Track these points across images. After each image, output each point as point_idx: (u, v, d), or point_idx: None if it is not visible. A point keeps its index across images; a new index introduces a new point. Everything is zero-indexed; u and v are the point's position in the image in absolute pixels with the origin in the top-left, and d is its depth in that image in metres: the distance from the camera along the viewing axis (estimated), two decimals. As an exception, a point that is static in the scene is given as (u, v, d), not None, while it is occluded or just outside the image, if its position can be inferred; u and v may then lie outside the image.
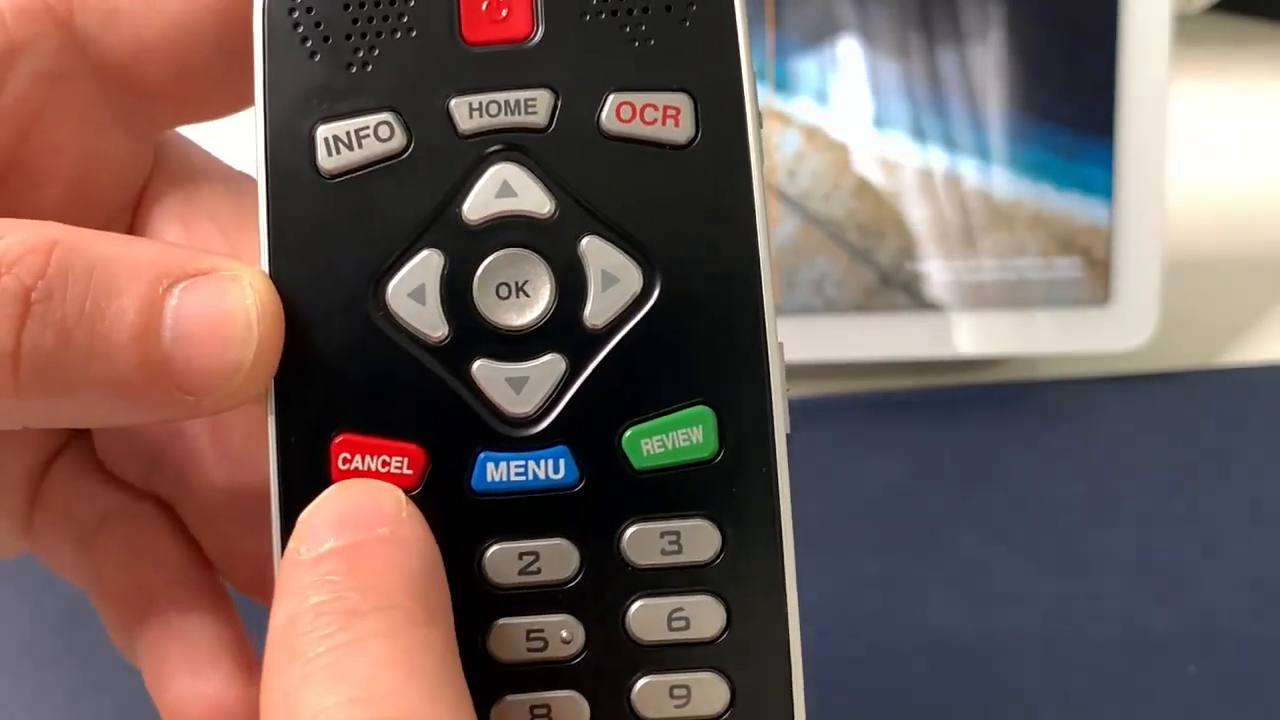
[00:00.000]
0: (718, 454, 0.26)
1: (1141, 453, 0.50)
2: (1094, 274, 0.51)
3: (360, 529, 0.24)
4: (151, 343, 0.25)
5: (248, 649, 0.30)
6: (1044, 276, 0.51)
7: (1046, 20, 0.50)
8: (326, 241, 0.26)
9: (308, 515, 0.25)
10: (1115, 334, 0.52)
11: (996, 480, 0.48)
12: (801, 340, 0.52)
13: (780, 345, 0.26)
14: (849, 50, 0.51)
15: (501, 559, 0.26)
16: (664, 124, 0.26)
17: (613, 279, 0.26)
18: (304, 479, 0.26)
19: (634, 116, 0.26)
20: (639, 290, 0.26)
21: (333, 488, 0.25)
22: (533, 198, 0.26)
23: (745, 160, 0.26)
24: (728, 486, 0.26)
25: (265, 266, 0.26)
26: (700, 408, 0.26)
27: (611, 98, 0.26)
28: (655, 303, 0.26)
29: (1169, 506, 0.47)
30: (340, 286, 0.26)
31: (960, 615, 0.43)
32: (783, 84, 0.51)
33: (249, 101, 0.26)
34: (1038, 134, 0.51)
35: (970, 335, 0.52)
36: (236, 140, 0.28)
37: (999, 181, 0.51)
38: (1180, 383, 0.53)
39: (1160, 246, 0.51)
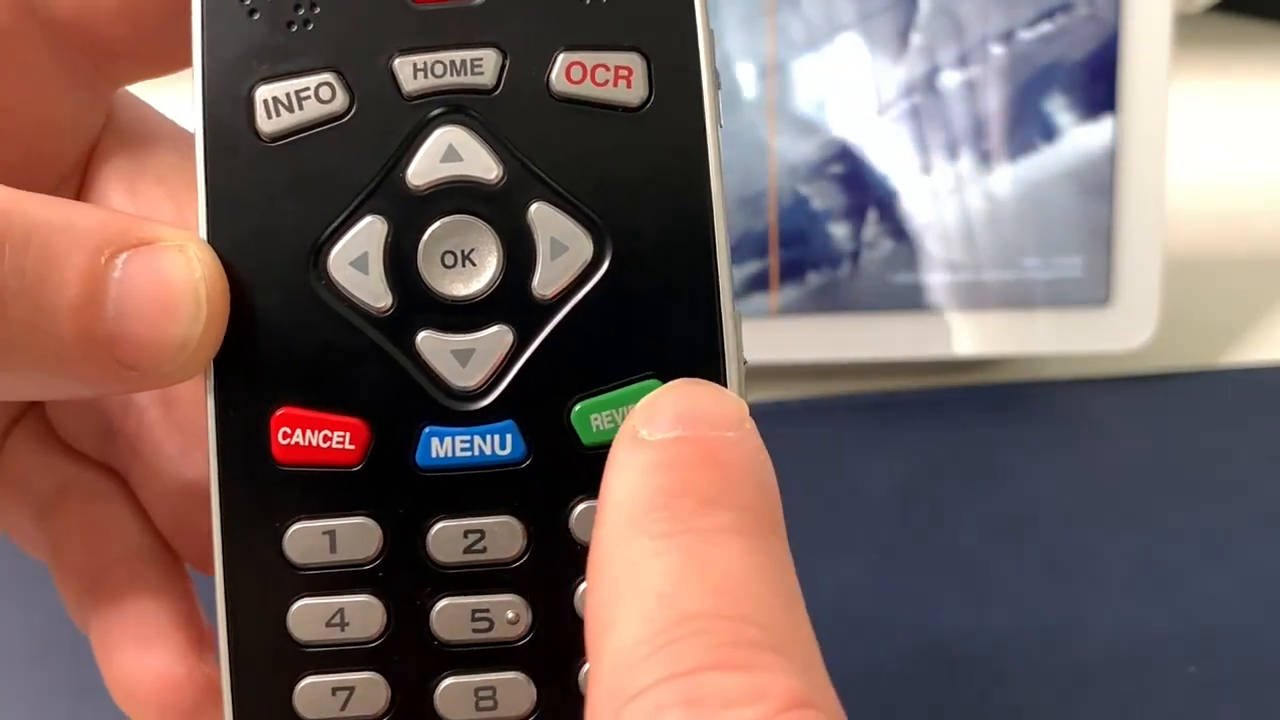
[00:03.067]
0: None
1: (1142, 453, 0.50)
2: (1094, 274, 0.51)
3: (708, 427, 0.23)
4: (93, 316, 0.24)
5: (199, 624, 0.29)
6: (1044, 276, 0.51)
7: (1047, 20, 0.50)
8: (266, 208, 0.25)
9: (651, 401, 0.23)
10: (1115, 334, 0.52)
11: (996, 480, 0.48)
12: (802, 340, 0.52)
13: (737, 316, 0.25)
14: (848, 50, 0.51)
15: (446, 537, 0.25)
16: (616, 85, 0.25)
17: (562, 247, 0.25)
18: (242, 454, 0.25)
19: (584, 77, 0.25)
20: (589, 259, 0.25)
21: (678, 382, 0.24)
22: (479, 162, 0.25)
23: (700, 124, 0.25)
24: None
25: (203, 233, 0.25)
26: (651, 381, 0.25)
27: (561, 57, 0.25)
28: (606, 272, 0.25)
29: (1169, 506, 0.47)
30: (280, 255, 0.25)
31: (960, 615, 0.43)
32: (783, 82, 0.51)
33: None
34: (1038, 133, 0.51)
35: (970, 335, 0.52)
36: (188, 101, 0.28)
37: (999, 181, 0.51)
38: (1180, 383, 0.53)
39: (1160, 246, 0.51)
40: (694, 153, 0.25)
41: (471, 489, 0.25)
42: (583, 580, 0.24)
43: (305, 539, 0.25)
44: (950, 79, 0.51)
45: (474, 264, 0.25)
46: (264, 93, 0.25)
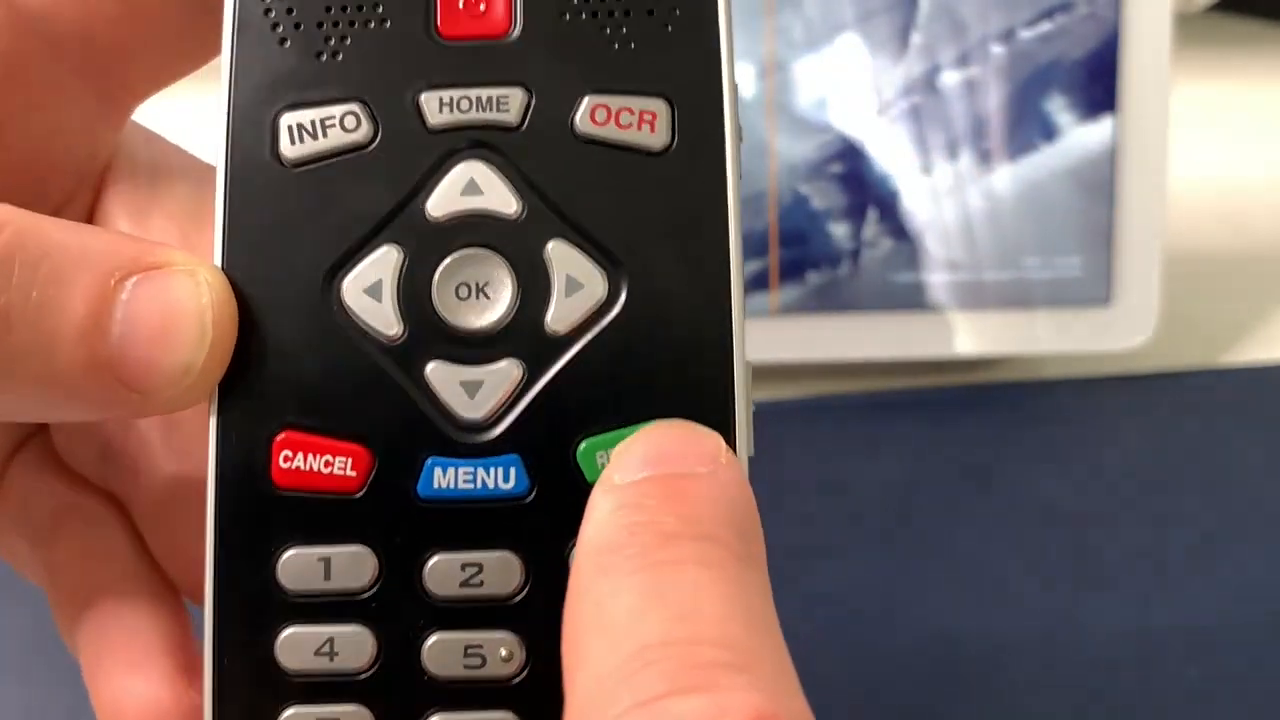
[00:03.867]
0: None
1: (1142, 452, 0.50)
2: (1094, 273, 0.51)
3: (678, 465, 0.23)
4: (98, 339, 0.24)
5: (189, 650, 0.29)
6: (1044, 276, 0.51)
7: (1047, 19, 0.50)
8: (283, 232, 0.25)
9: (625, 447, 0.24)
10: (1116, 334, 0.52)
11: (996, 480, 0.48)
12: (801, 339, 0.52)
13: (748, 365, 0.25)
14: (848, 50, 0.51)
15: (444, 569, 0.25)
16: (639, 129, 0.25)
17: (577, 285, 0.25)
18: (241, 477, 0.25)
19: (609, 119, 0.25)
20: (603, 297, 0.25)
21: (652, 425, 0.24)
22: (499, 197, 0.25)
23: (721, 171, 0.25)
24: None
25: (219, 254, 0.25)
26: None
27: (586, 99, 0.25)
28: (619, 312, 0.25)
29: (1169, 506, 0.47)
30: (295, 278, 0.25)
31: (960, 615, 0.43)
32: (783, 82, 0.51)
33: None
34: (1038, 132, 0.51)
35: (970, 335, 0.52)
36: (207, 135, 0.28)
37: (999, 180, 0.51)
38: (1181, 382, 0.53)
39: (1161, 246, 0.51)
40: (713, 199, 0.25)
41: (472, 522, 0.25)
42: None
43: (299, 565, 0.25)
44: (950, 78, 0.51)
45: (488, 297, 0.25)
46: (289, 119, 0.25)
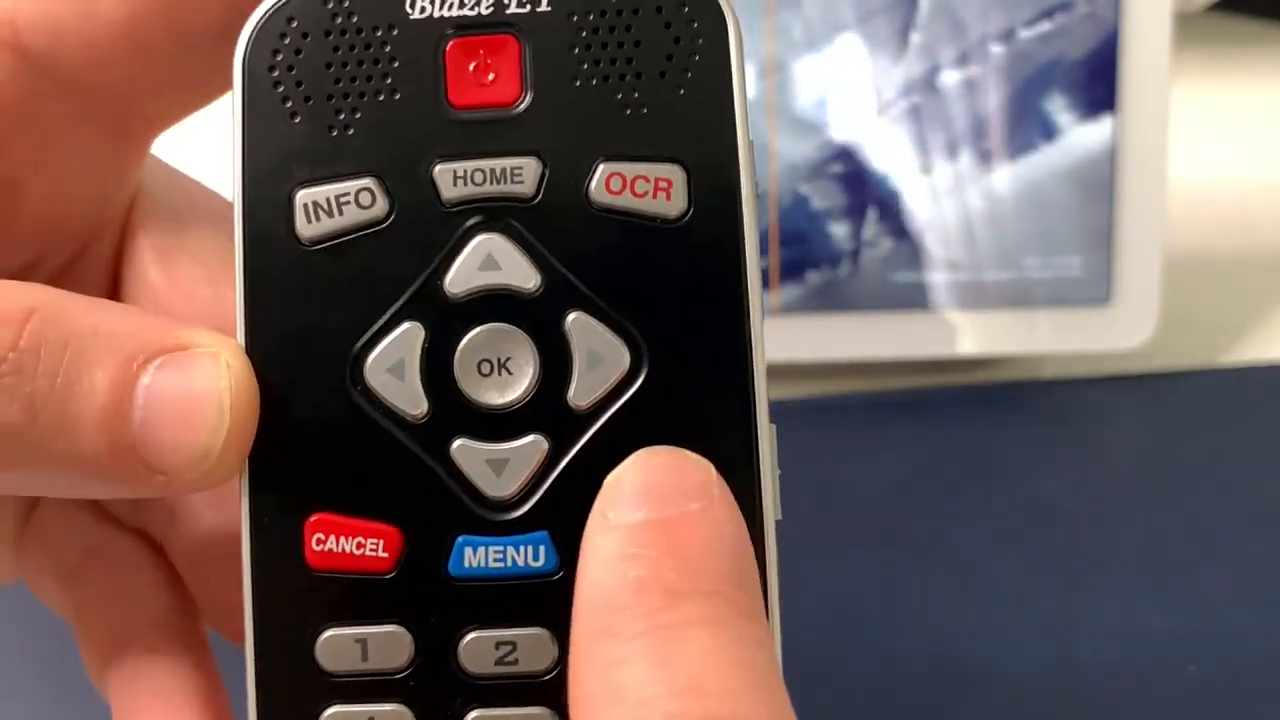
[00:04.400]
0: None
1: (1142, 452, 0.50)
2: (1094, 273, 0.51)
3: (672, 503, 0.23)
4: (120, 423, 0.24)
5: (221, 700, 0.29)
6: (1044, 276, 0.51)
7: (1046, 19, 0.50)
8: (304, 312, 0.25)
9: (616, 479, 0.24)
10: (1116, 333, 0.52)
11: (997, 480, 0.48)
12: (802, 339, 0.52)
13: (772, 429, 0.25)
14: (848, 50, 0.51)
15: (478, 648, 0.25)
16: (655, 197, 0.25)
17: (598, 358, 0.25)
18: (277, 560, 0.25)
19: (624, 188, 0.25)
20: (626, 370, 0.25)
21: (641, 453, 0.24)
22: (517, 271, 0.25)
23: (738, 238, 0.25)
24: None
25: (241, 337, 0.25)
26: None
27: (601, 168, 0.25)
28: (642, 384, 0.25)
29: (1169, 505, 0.47)
30: (318, 360, 0.25)
31: (960, 615, 0.43)
32: (783, 82, 0.51)
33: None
34: (1038, 132, 0.51)
35: (970, 334, 0.52)
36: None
37: (999, 180, 0.51)
38: (1181, 382, 0.53)
39: (1160, 245, 0.51)
40: (730, 265, 0.25)
41: (504, 600, 0.25)
42: None
43: (337, 645, 0.25)
44: (950, 78, 0.51)
45: (510, 373, 0.25)
46: (304, 197, 0.25)
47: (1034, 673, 0.41)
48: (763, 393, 0.25)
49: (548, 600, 0.25)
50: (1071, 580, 0.44)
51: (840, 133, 0.51)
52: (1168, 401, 0.52)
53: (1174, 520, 0.46)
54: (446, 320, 0.25)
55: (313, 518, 0.25)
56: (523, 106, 0.25)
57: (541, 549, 0.25)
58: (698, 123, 0.25)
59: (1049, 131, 0.51)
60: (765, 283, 0.51)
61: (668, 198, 0.25)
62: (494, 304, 0.25)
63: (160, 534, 0.31)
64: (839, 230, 0.51)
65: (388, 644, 0.25)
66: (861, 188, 0.51)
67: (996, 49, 0.50)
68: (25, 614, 0.43)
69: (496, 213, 0.25)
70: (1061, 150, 0.51)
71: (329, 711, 0.25)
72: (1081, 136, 0.51)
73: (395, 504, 0.25)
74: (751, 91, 0.51)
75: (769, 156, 0.51)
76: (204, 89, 0.28)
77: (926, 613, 0.43)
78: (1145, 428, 0.51)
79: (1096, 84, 0.51)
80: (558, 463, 0.25)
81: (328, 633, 0.25)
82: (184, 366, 0.24)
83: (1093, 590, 0.43)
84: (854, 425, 0.51)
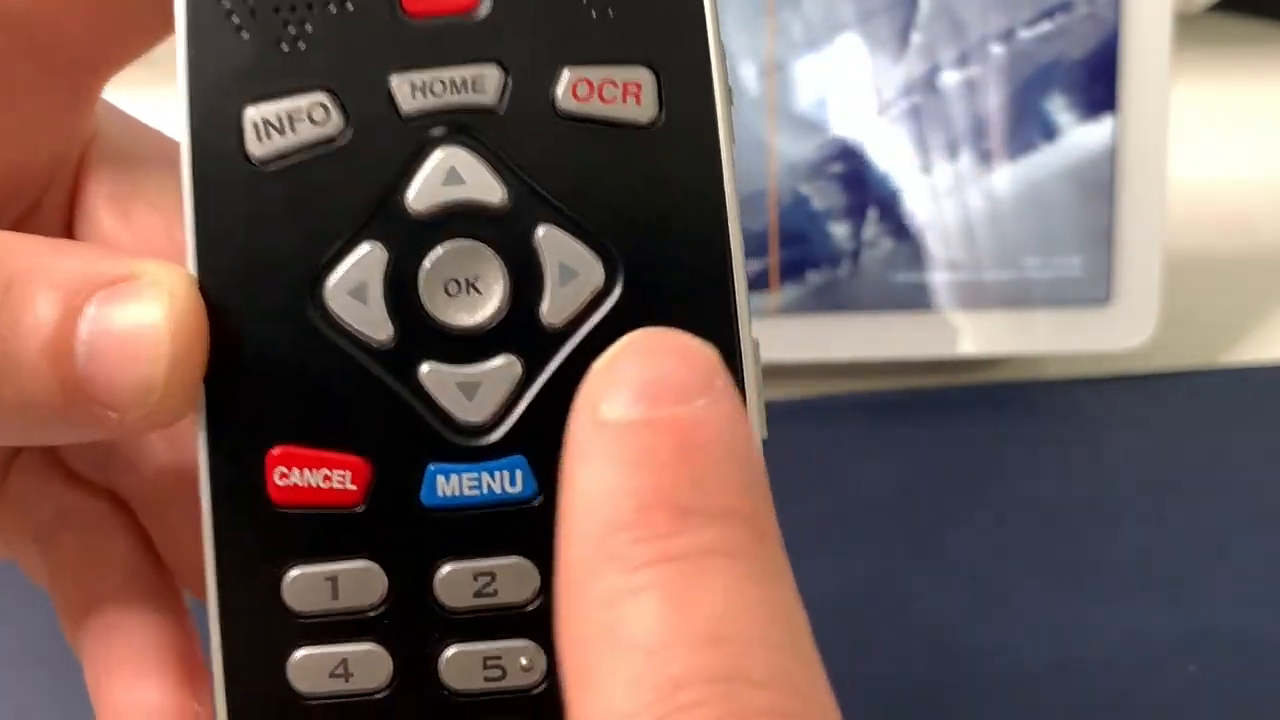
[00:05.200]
0: None
1: (1142, 452, 0.50)
2: (1094, 273, 0.51)
3: (678, 399, 0.21)
4: (65, 361, 0.23)
5: (193, 656, 0.29)
6: (1044, 276, 0.51)
7: (1047, 19, 0.50)
8: (258, 236, 0.23)
9: (609, 365, 0.21)
10: (1116, 333, 0.52)
11: (997, 480, 0.48)
12: (802, 340, 0.52)
13: (755, 342, 0.24)
14: (848, 50, 0.51)
15: (455, 580, 0.24)
16: (624, 102, 0.23)
17: (571, 272, 0.23)
18: (237, 497, 0.24)
19: (591, 94, 0.23)
20: (600, 284, 0.23)
21: (636, 333, 0.22)
22: (482, 184, 0.23)
23: (714, 141, 0.23)
24: None
25: (192, 265, 0.24)
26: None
27: (566, 74, 0.23)
28: (618, 298, 0.23)
29: (1169, 506, 0.47)
30: (275, 285, 0.23)
31: (960, 615, 0.43)
32: (783, 82, 0.51)
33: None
34: (1038, 132, 0.51)
35: (970, 335, 0.52)
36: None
37: (999, 180, 0.51)
38: (1181, 382, 0.53)
39: (1161, 246, 0.51)
40: (707, 172, 0.23)
41: (481, 529, 0.24)
42: None
43: (306, 585, 0.24)
44: (950, 78, 0.51)
45: (479, 292, 0.24)
46: (254, 114, 0.23)
47: (1034, 673, 0.41)
48: (744, 304, 0.24)
49: (527, 528, 0.24)
50: (1072, 580, 0.44)
51: (840, 133, 0.51)
52: (1168, 402, 0.52)
53: (1174, 520, 0.46)
54: (410, 239, 0.23)
55: (274, 450, 0.23)
56: (482, 13, 0.23)
57: (519, 474, 0.24)
58: (666, 24, 0.23)
59: (1049, 132, 0.51)
60: (765, 283, 0.51)
61: (637, 102, 0.23)
62: (459, 220, 0.23)
63: (126, 489, 0.30)
64: (839, 230, 0.51)
65: (359, 581, 0.24)
66: (862, 188, 0.51)
67: (997, 49, 0.50)
68: (24, 614, 0.43)
69: (458, 124, 0.23)
70: (1062, 150, 0.51)
71: (299, 654, 0.24)
72: (1082, 137, 0.51)
73: (362, 433, 0.23)
74: (752, 91, 0.51)
75: (769, 156, 0.51)
76: (152, 28, 0.27)
77: (926, 613, 0.43)
78: (1145, 428, 0.51)
79: (1097, 84, 0.50)
80: (532, 384, 0.23)
81: (295, 571, 0.24)
82: (126, 297, 0.23)
83: (1093, 590, 0.43)
84: (854, 425, 0.51)
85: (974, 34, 0.50)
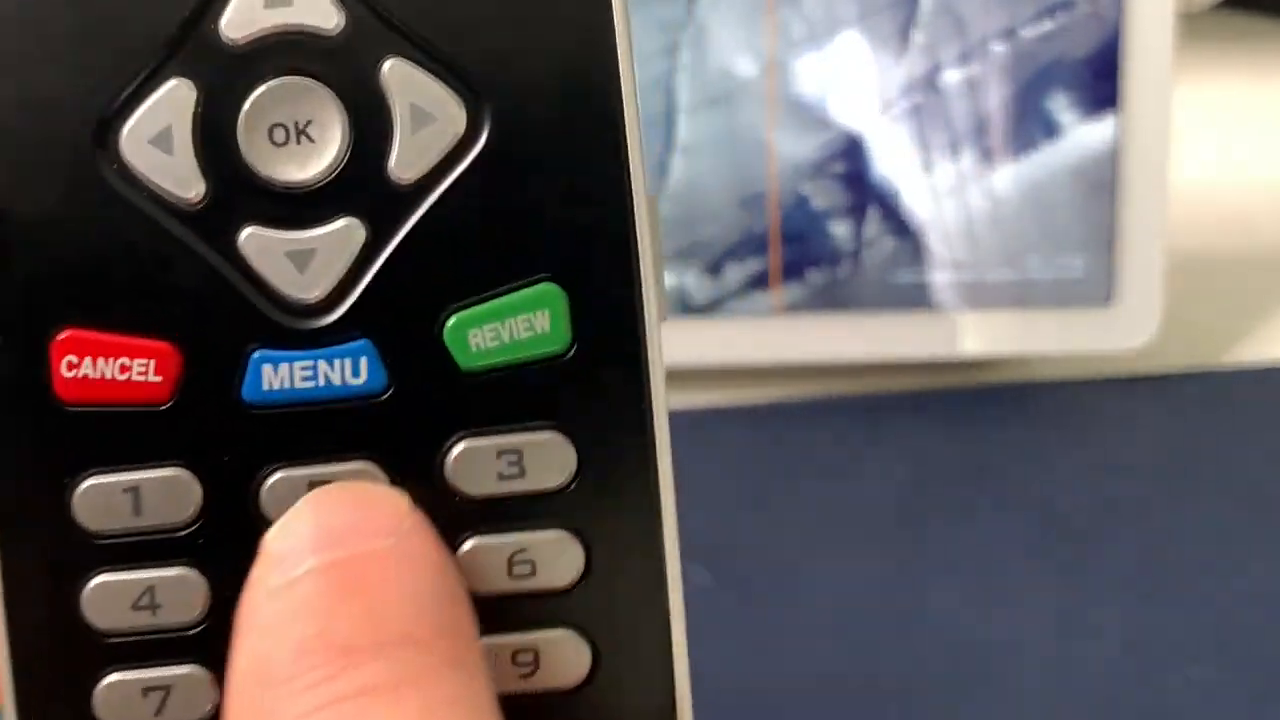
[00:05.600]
0: (570, 347, 0.20)
1: (1144, 453, 0.50)
2: (1096, 273, 0.51)
3: (351, 542, 0.19)
4: None
5: None
6: (1046, 276, 0.51)
7: (1048, 17, 0.50)
8: (35, 69, 0.19)
9: (277, 533, 0.19)
10: (1118, 334, 0.52)
11: (998, 481, 0.48)
12: (802, 339, 0.52)
13: (651, 200, 0.20)
14: (849, 48, 0.51)
15: (286, 492, 0.20)
16: None
17: (426, 117, 0.19)
18: (16, 391, 0.19)
19: None
20: (462, 131, 0.19)
21: (312, 494, 0.19)
22: (314, 7, 0.19)
23: None
24: (584, 388, 0.20)
25: None
26: (546, 286, 0.20)
27: None
28: (484, 147, 0.19)
29: (1171, 507, 0.47)
30: (58, 132, 0.19)
31: (961, 617, 0.42)
32: (783, 80, 0.51)
33: None
34: (1039, 131, 0.51)
35: (972, 335, 0.51)
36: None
37: (1001, 179, 0.51)
38: (1183, 383, 0.53)
39: (1163, 245, 0.51)
40: None
41: (318, 429, 0.20)
42: (466, 539, 0.20)
43: (101, 498, 0.20)
44: (951, 77, 0.51)
45: (311, 140, 0.19)
46: None
47: (1034, 673, 0.41)
48: (637, 151, 0.20)
49: (374, 426, 0.20)
50: (1073, 581, 0.44)
51: (841, 132, 0.51)
52: (1170, 402, 0.52)
53: (1176, 521, 0.46)
54: (224, 74, 0.19)
55: (60, 335, 0.19)
56: None
57: (363, 362, 0.20)
58: None
59: (1051, 131, 0.51)
60: (765, 283, 0.51)
61: None
62: (286, 51, 0.19)
63: None
64: (840, 230, 0.51)
65: (167, 492, 0.20)
66: (862, 187, 0.51)
67: (998, 48, 0.50)
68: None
69: None
70: (1063, 149, 0.51)
71: (95, 582, 0.20)
72: (1084, 136, 0.51)
73: (168, 314, 0.19)
74: (752, 89, 0.51)
75: (769, 154, 0.51)
76: None
77: (927, 614, 0.43)
78: (1147, 429, 0.51)
79: (1099, 83, 0.50)
80: (379, 252, 0.20)
81: (88, 482, 0.20)
82: None
83: (1094, 591, 0.43)
84: (854, 426, 0.51)
85: (975, 32, 0.50)
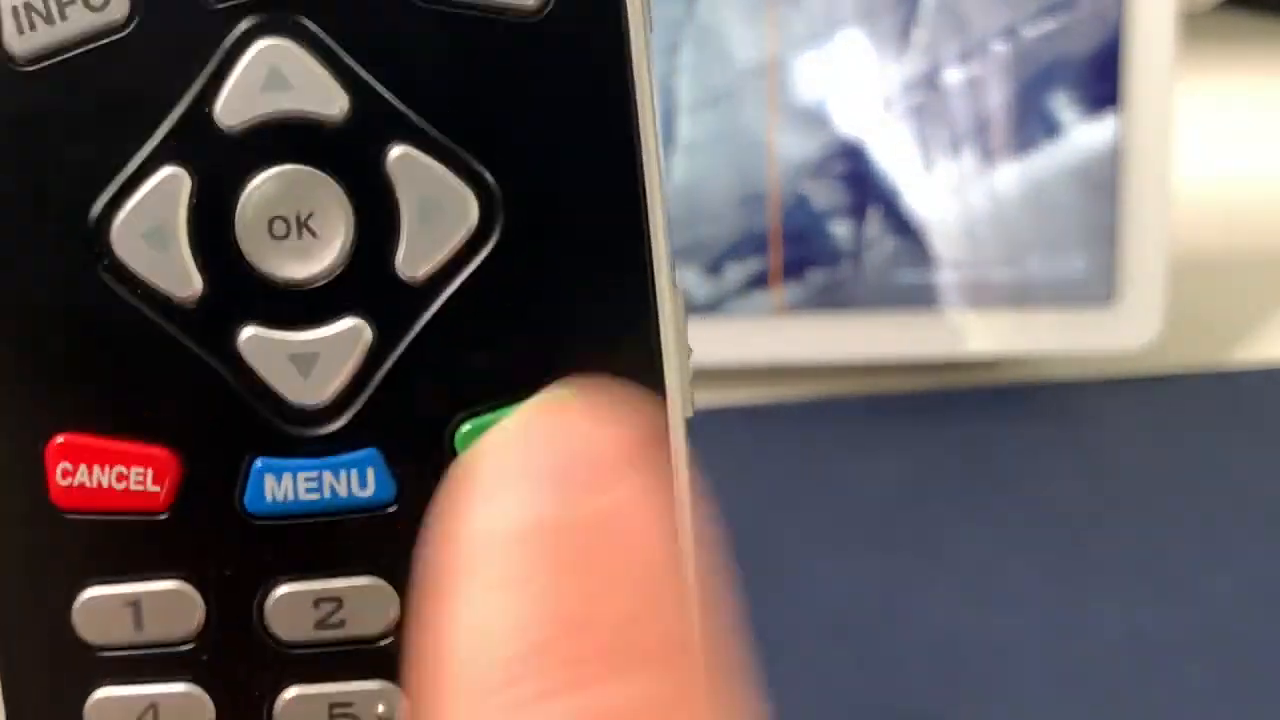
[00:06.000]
0: None
1: (1146, 453, 0.50)
2: (1098, 272, 0.51)
3: (592, 484, 0.16)
4: None
5: None
6: (1047, 275, 0.51)
7: (1050, 16, 0.50)
8: (22, 160, 0.18)
9: (492, 449, 0.16)
10: (1120, 333, 0.51)
11: (999, 482, 0.48)
12: (803, 339, 0.52)
13: (678, 295, 0.19)
14: (850, 47, 0.50)
15: (291, 606, 0.19)
16: None
17: (436, 209, 0.18)
18: (14, 500, 0.19)
19: None
20: (475, 225, 0.18)
21: (531, 406, 0.18)
22: (316, 90, 0.18)
23: (621, 33, 0.18)
24: None
25: None
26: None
27: None
28: (499, 242, 0.18)
29: (1173, 507, 0.47)
30: (46, 226, 0.18)
31: (962, 617, 0.42)
32: (784, 79, 0.51)
33: None
34: (1041, 130, 0.51)
35: (973, 334, 0.51)
36: None
37: (1002, 178, 0.51)
38: (1185, 383, 0.53)
39: (1165, 245, 0.51)
40: (614, 73, 0.18)
41: (322, 542, 0.19)
42: None
43: (102, 611, 0.19)
44: (952, 76, 0.50)
45: (314, 233, 0.18)
46: None
47: (1035, 674, 0.41)
48: (662, 243, 0.19)
49: (381, 540, 0.19)
50: (1074, 582, 0.44)
51: (842, 130, 0.51)
52: (1172, 403, 0.52)
53: (1178, 522, 0.46)
54: (221, 162, 0.18)
55: (56, 440, 0.18)
56: None
57: (370, 472, 0.19)
58: None
59: (1052, 130, 0.51)
60: (766, 282, 0.51)
61: None
62: (286, 138, 0.18)
63: None
64: (840, 229, 0.51)
65: (169, 606, 0.19)
66: (863, 186, 0.51)
67: (999, 46, 0.50)
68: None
69: (282, 8, 0.18)
70: (1065, 149, 0.51)
71: (97, 695, 0.19)
72: (1085, 134, 0.50)
73: (167, 419, 0.18)
74: (753, 88, 0.50)
75: (769, 154, 0.51)
76: None
77: (928, 614, 0.43)
78: (1149, 429, 0.51)
79: (1100, 81, 0.50)
80: (387, 355, 0.19)
81: (88, 594, 0.19)
82: None
83: (1095, 592, 0.43)
84: (855, 426, 0.50)
85: (976, 31, 0.50)
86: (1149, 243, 0.51)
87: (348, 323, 0.19)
